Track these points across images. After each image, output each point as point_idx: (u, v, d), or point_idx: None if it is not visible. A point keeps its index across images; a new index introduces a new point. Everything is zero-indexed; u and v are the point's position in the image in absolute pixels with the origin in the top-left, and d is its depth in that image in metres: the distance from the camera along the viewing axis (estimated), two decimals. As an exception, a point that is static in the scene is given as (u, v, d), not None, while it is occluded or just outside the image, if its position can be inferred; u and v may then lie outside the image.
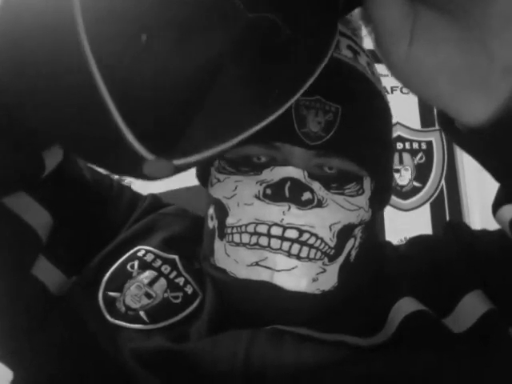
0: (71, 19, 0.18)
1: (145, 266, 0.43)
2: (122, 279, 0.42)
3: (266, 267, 0.38)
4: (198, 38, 0.22)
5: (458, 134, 0.30)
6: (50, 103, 0.21)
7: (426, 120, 1.43)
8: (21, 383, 0.39)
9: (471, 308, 0.38)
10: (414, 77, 0.28)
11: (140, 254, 0.44)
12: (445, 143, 1.41)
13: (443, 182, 1.39)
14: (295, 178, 0.38)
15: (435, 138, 1.42)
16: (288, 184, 0.38)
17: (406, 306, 0.39)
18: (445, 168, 1.40)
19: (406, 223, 1.30)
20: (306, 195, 0.38)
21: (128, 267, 0.43)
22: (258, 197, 0.38)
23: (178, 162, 0.22)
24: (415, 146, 1.40)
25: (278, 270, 0.38)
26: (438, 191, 1.38)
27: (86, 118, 0.21)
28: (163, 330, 0.39)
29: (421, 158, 1.40)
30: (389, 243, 0.51)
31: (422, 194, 1.37)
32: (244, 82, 0.25)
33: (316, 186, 0.39)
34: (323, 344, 0.37)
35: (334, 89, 0.40)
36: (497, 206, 0.40)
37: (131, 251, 0.44)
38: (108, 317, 0.39)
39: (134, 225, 0.48)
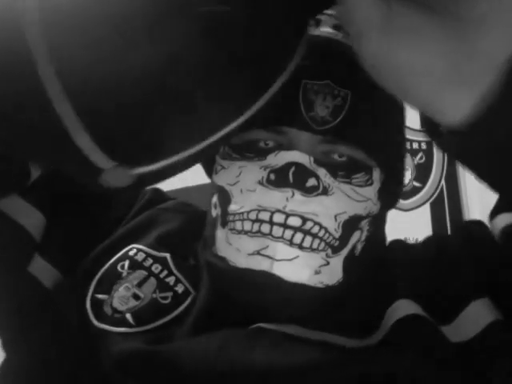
0: (17, 20, 0.17)
1: (135, 265, 0.42)
2: (111, 280, 0.41)
3: (266, 256, 0.36)
4: (145, 38, 0.21)
5: (441, 137, 0.28)
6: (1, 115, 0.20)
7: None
8: (12, 364, 0.39)
9: (476, 317, 0.36)
10: (389, 77, 0.26)
11: (131, 253, 0.43)
12: (445, 143, 1.40)
13: (443, 181, 1.38)
14: (300, 162, 0.37)
15: (435, 137, 1.41)
16: (292, 169, 0.36)
17: (401, 309, 0.37)
18: (445, 168, 1.39)
19: (406, 223, 1.29)
20: (311, 181, 0.37)
21: (118, 267, 0.42)
22: (261, 182, 0.37)
23: (138, 169, 0.21)
24: (415, 145, 1.40)
25: (278, 260, 0.36)
26: (438, 191, 1.37)
27: (40, 127, 0.20)
28: (147, 333, 0.38)
29: (421, 158, 1.39)
30: (401, 241, 0.48)
31: (422, 194, 1.37)
32: (206, 84, 0.24)
33: (322, 172, 0.37)
34: (305, 344, 0.35)
35: (345, 74, 0.38)
36: (493, 215, 0.39)
37: (123, 250, 0.44)
38: (94, 321, 0.39)
39: (133, 220, 0.48)
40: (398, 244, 0.47)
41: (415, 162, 1.39)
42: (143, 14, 0.20)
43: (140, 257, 0.43)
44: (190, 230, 0.47)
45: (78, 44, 0.19)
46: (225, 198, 0.39)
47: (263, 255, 0.36)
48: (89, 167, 0.20)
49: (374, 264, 0.42)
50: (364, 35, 0.25)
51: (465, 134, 0.25)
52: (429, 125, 0.29)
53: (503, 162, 0.27)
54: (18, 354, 0.40)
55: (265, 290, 0.37)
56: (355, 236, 0.39)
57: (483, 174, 0.29)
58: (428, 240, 0.46)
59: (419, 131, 1.43)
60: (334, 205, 0.37)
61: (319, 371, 0.34)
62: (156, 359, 0.35)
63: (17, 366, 0.39)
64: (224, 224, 0.39)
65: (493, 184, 0.29)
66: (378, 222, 0.42)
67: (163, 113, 0.22)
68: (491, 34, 0.24)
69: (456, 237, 0.44)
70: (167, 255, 0.43)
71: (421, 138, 1.41)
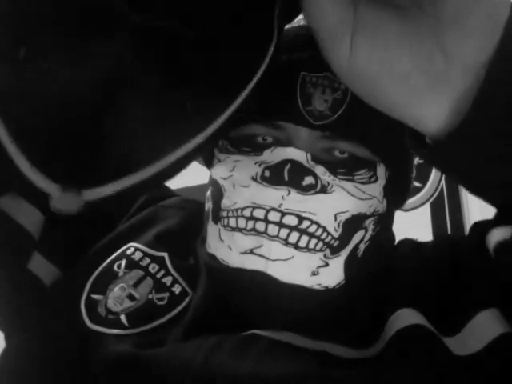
0: None
1: (132, 265, 0.41)
2: (107, 280, 0.40)
3: (260, 256, 0.35)
4: (83, 50, 0.19)
5: (425, 149, 0.27)
6: None
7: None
8: (10, 357, 0.38)
9: (483, 328, 0.33)
10: (359, 82, 0.25)
11: (129, 252, 0.42)
12: (445, 143, 1.40)
13: (443, 181, 1.37)
14: (296, 160, 0.35)
15: (436, 137, 1.41)
16: (288, 166, 0.35)
17: (402, 319, 0.35)
18: (445, 168, 1.39)
19: (406, 223, 1.29)
20: (308, 180, 0.35)
21: (115, 267, 0.41)
22: (255, 179, 0.36)
23: (87, 195, 0.20)
24: (415, 145, 1.39)
25: (273, 260, 0.35)
26: (438, 191, 1.37)
27: None
28: (140, 336, 0.36)
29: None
30: (410, 241, 0.46)
31: (421, 194, 1.36)
32: (152, 101, 0.22)
33: (320, 170, 0.36)
34: (299, 353, 0.34)
35: None
36: (489, 228, 0.37)
37: (121, 249, 0.43)
38: (88, 322, 0.38)
39: (133, 217, 0.47)
40: (408, 244, 0.45)
41: (415, 162, 1.38)
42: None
43: (137, 256, 0.42)
44: (190, 227, 0.46)
45: None
46: (217, 192, 0.38)
47: (257, 254, 0.35)
48: (35, 191, 0.19)
49: (380, 266, 0.41)
50: (336, 40, 0.24)
51: (444, 143, 0.24)
52: (414, 137, 0.28)
53: (486, 172, 0.26)
54: (13, 349, 0.39)
55: (259, 291, 0.35)
56: (358, 236, 0.38)
57: (468, 185, 0.28)
58: (440, 243, 0.44)
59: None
60: (334, 203, 0.36)
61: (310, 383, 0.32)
62: (140, 364, 0.34)
63: (12, 360, 0.39)
64: (216, 220, 0.38)
65: (482, 195, 0.28)
66: (384, 221, 0.41)
67: (106, 129, 0.21)
68: (462, 36, 0.23)
69: (469, 239, 0.42)
70: (165, 254, 0.42)
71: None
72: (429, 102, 0.24)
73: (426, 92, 0.24)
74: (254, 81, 0.26)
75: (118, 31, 0.20)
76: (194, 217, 0.47)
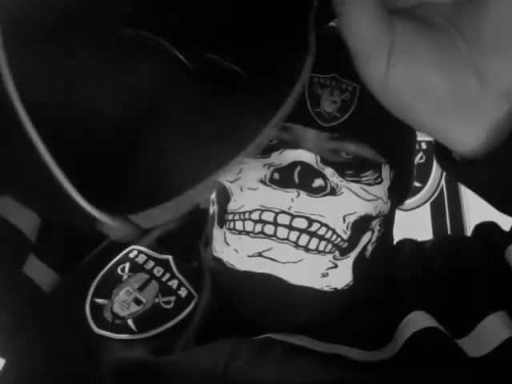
0: None
1: (136, 268, 0.41)
2: (111, 284, 0.40)
3: (269, 258, 0.35)
4: (129, 80, 0.20)
5: (454, 166, 0.27)
6: None
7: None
8: (11, 371, 0.37)
9: (492, 331, 0.34)
10: (393, 100, 0.25)
11: (132, 255, 0.42)
12: (445, 143, 1.40)
13: (443, 182, 1.37)
14: (306, 162, 0.35)
15: (435, 137, 1.41)
16: (298, 169, 0.35)
17: (416, 322, 0.35)
18: (445, 168, 1.39)
19: (405, 223, 1.29)
20: (318, 182, 0.35)
21: (118, 270, 0.41)
22: (263, 181, 0.36)
23: (136, 219, 0.20)
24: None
25: (283, 262, 0.35)
26: (437, 191, 1.37)
27: (28, 179, 0.19)
28: (149, 340, 0.36)
29: (421, 158, 1.39)
30: (410, 241, 0.46)
31: (421, 194, 1.36)
32: (185, 126, 0.23)
33: (329, 172, 0.36)
34: (314, 357, 0.34)
35: (352, 67, 0.37)
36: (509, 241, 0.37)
37: (123, 252, 0.43)
38: (94, 327, 0.37)
39: None
40: (408, 244, 0.45)
41: (415, 162, 1.39)
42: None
43: (141, 259, 0.42)
44: (190, 229, 0.46)
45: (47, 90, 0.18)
46: (223, 195, 0.38)
47: (266, 257, 0.35)
48: (85, 218, 0.19)
49: (385, 267, 0.41)
50: (372, 59, 0.24)
51: (479, 164, 0.24)
52: (441, 152, 0.27)
53: None
54: (10, 357, 0.38)
55: (269, 294, 0.35)
56: (366, 237, 0.38)
57: (498, 204, 0.28)
58: (441, 244, 0.44)
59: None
60: (343, 205, 0.36)
61: None
62: (158, 371, 0.33)
63: (12, 372, 0.38)
64: (222, 223, 0.38)
65: (509, 212, 0.28)
66: (388, 221, 0.41)
67: (151, 156, 0.21)
68: (501, 61, 0.22)
69: (472, 242, 0.42)
70: (169, 257, 0.42)
71: (421, 138, 1.41)
72: (462, 125, 0.24)
73: (459, 116, 0.24)
74: (293, 96, 0.26)
75: (158, 57, 0.20)
76: (196, 218, 0.47)
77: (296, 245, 0.35)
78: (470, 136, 0.24)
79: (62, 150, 0.17)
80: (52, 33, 0.17)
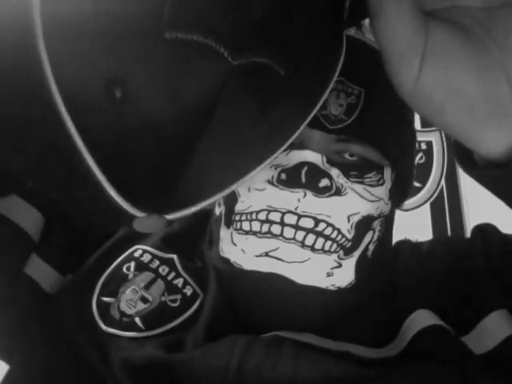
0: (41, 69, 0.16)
1: (142, 267, 0.41)
2: (117, 283, 0.40)
3: (276, 258, 0.35)
4: (183, 84, 0.20)
5: (474, 166, 0.27)
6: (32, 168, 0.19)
7: (426, 120, 1.42)
8: (16, 375, 0.37)
9: (493, 329, 0.34)
10: (424, 103, 0.24)
11: (137, 254, 0.42)
12: (445, 143, 1.40)
13: (443, 181, 1.38)
14: (313, 162, 0.36)
15: (435, 138, 1.41)
16: (305, 169, 0.35)
17: (421, 319, 0.36)
18: (445, 168, 1.39)
19: (405, 223, 1.29)
20: (324, 182, 0.36)
21: (124, 269, 0.41)
22: (271, 182, 0.36)
23: (170, 216, 0.21)
24: (415, 145, 1.40)
25: (290, 262, 0.35)
26: (437, 191, 1.37)
27: (70, 181, 0.19)
28: (158, 337, 0.37)
29: (421, 158, 1.39)
30: (407, 242, 0.47)
31: (421, 194, 1.37)
32: (236, 128, 0.23)
33: (335, 172, 0.36)
34: (325, 354, 0.34)
35: (358, 71, 0.38)
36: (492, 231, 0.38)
37: (128, 251, 0.43)
38: (102, 325, 0.37)
39: None
40: (406, 245, 0.46)
41: (415, 162, 1.39)
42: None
43: (146, 258, 0.42)
44: (195, 228, 0.46)
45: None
46: (230, 196, 0.38)
47: (272, 257, 0.35)
48: (121, 216, 0.19)
49: (386, 266, 0.41)
50: (404, 62, 0.23)
51: (503, 167, 0.24)
52: (461, 153, 0.28)
53: None
54: (13, 358, 0.38)
55: (275, 293, 0.36)
56: (368, 237, 0.38)
57: None
58: (440, 245, 0.45)
59: (419, 131, 1.43)
60: (347, 205, 0.36)
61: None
62: (173, 368, 0.33)
63: (15, 374, 0.37)
64: (229, 224, 0.38)
65: None
66: (388, 222, 0.41)
67: (201, 157, 0.21)
68: None
69: (471, 243, 0.43)
70: (174, 256, 0.42)
71: (421, 138, 1.41)
72: (491, 131, 0.24)
73: (488, 121, 0.24)
74: (326, 93, 0.27)
75: (212, 62, 0.20)
76: (199, 218, 0.47)
77: (302, 244, 0.35)
78: (499, 140, 0.24)
79: (111, 158, 0.17)
80: (105, 37, 0.17)
